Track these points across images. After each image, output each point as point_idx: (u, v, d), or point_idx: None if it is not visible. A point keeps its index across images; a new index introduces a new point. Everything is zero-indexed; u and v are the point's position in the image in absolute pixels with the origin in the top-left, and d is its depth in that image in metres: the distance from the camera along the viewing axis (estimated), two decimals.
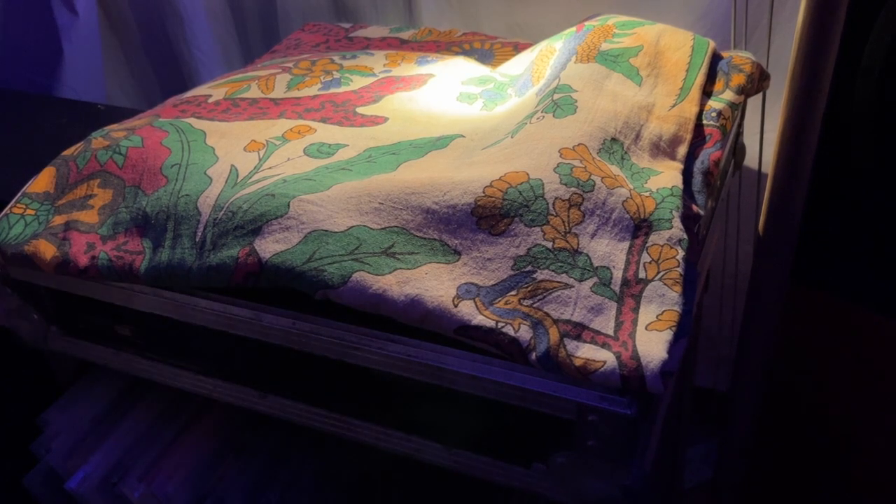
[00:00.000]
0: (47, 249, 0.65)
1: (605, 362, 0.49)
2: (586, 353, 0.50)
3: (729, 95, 0.72)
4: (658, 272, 0.54)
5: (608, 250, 0.55)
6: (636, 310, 0.53)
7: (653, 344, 0.50)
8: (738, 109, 0.74)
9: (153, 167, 0.67)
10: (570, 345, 0.51)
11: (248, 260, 0.57)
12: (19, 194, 0.70)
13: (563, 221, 0.56)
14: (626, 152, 0.64)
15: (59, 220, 0.67)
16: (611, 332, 0.51)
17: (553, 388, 0.51)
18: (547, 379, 0.51)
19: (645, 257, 0.55)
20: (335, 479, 0.81)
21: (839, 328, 0.87)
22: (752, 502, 1.04)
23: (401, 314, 0.54)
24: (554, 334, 0.51)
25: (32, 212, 0.68)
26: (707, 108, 0.71)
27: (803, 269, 0.83)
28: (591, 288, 0.53)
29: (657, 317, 0.52)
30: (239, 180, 0.64)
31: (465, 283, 0.54)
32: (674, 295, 0.53)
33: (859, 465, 0.91)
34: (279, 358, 0.62)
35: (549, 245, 0.55)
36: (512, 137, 0.64)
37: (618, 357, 0.50)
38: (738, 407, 0.88)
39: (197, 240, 0.60)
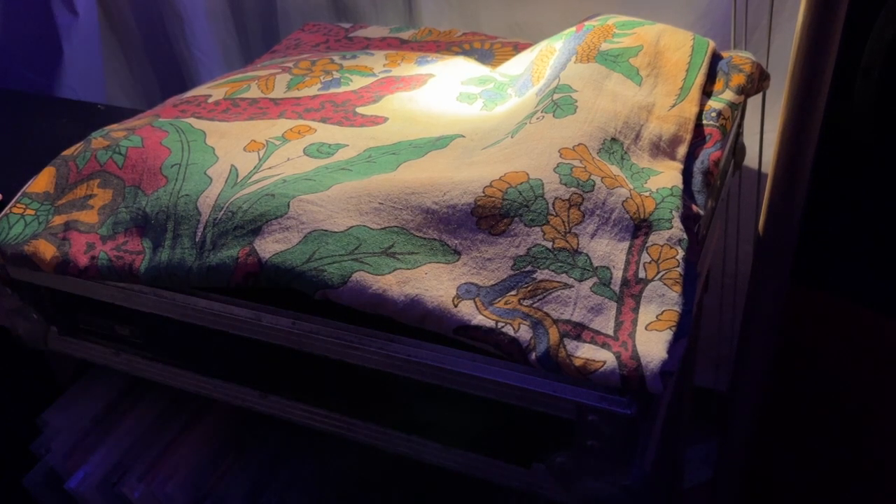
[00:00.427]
0: (47, 249, 0.65)
1: (604, 362, 0.49)
2: (586, 353, 0.50)
3: (729, 95, 0.72)
4: (658, 272, 0.54)
5: (608, 250, 0.55)
6: (636, 310, 0.53)
7: (652, 344, 0.50)
8: (738, 109, 0.74)
9: (153, 167, 0.67)
10: (570, 345, 0.51)
11: (248, 260, 0.57)
12: (19, 194, 0.70)
13: (563, 221, 0.56)
14: (625, 152, 0.64)
15: (58, 220, 0.67)
16: (611, 332, 0.51)
17: (553, 388, 0.51)
18: (547, 379, 0.51)
19: (645, 257, 0.55)
20: (335, 479, 0.81)
21: (839, 328, 0.87)
22: (752, 502, 1.04)
23: (401, 314, 0.54)
24: (554, 334, 0.51)
25: (32, 212, 0.68)
26: (707, 108, 0.71)
27: (803, 269, 0.83)
28: (590, 288, 0.53)
29: (657, 317, 0.52)
30: (239, 180, 0.64)
31: (465, 283, 0.54)
32: (674, 295, 0.53)
33: (859, 464, 0.91)
34: (279, 358, 0.62)
35: (549, 245, 0.55)
36: (512, 137, 0.64)
37: (618, 357, 0.50)
38: (738, 407, 0.88)
39: (197, 240, 0.60)
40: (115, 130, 0.73)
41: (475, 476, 0.59)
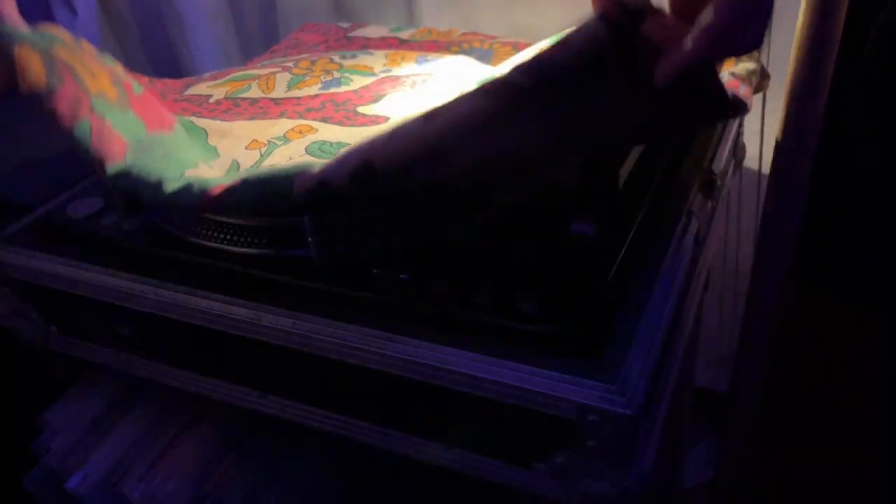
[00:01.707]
0: (37, 70, 0.60)
1: None
2: None
3: (745, 65, 0.72)
4: None
5: None
6: None
7: None
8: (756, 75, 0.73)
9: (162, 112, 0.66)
10: None
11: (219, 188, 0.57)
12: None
13: None
14: None
15: (60, 62, 0.62)
16: None
17: (553, 388, 0.51)
18: (547, 379, 0.51)
19: None
20: (335, 480, 0.81)
21: (839, 328, 0.87)
22: (752, 502, 1.04)
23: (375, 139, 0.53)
24: None
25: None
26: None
27: (803, 269, 0.83)
28: None
29: None
30: (238, 173, 0.64)
31: None
32: None
33: (859, 464, 0.91)
34: (279, 358, 0.62)
35: None
36: None
37: None
38: (738, 407, 0.88)
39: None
40: None
41: (475, 476, 0.59)
